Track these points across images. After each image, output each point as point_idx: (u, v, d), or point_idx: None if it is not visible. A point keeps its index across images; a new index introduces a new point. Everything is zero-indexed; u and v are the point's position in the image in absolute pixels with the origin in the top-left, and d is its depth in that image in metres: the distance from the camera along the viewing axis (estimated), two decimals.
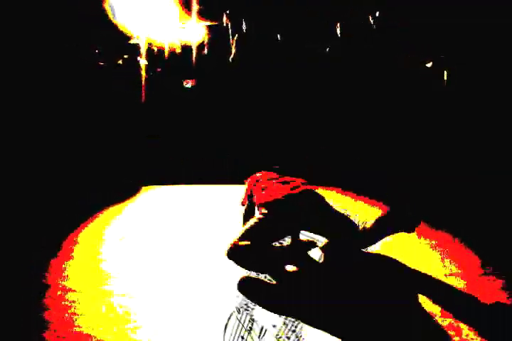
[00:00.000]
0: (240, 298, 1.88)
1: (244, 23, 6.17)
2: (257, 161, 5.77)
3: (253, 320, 1.67)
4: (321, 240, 2.59)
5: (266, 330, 1.59)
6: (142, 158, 5.49)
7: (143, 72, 6.01)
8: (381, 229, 2.23)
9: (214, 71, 6.39)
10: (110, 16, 5.45)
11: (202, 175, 5.15)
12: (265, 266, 1.97)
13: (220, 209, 3.83)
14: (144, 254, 2.59)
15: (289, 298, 1.86)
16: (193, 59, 6.26)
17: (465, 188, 4.34)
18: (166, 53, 6.18)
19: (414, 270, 2.22)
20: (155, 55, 6.16)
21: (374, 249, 2.58)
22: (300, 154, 5.87)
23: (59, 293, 2.00)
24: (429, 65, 5.44)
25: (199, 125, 6.21)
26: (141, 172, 5.10)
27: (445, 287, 2.00)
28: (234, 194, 4.49)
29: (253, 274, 2.06)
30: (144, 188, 4.90)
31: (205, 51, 6.29)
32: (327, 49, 5.75)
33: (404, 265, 2.29)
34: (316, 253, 2.44)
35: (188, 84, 6.22)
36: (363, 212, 3.58)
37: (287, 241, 2.48)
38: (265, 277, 2.02)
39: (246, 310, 1.74)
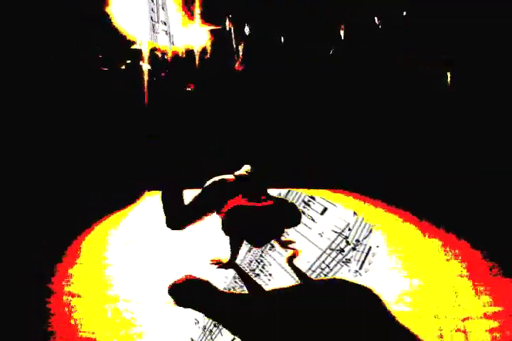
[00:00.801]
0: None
1: (247, 27, 6.19)
2: (258, 162, 5.76)
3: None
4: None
5: None
6: (145, 160, 5.49)
7: (145, 77, 6.04)
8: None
9: (217, 75, 6.41)
10: (113, 20, 5.48)
11: (205, 178, 5.14)
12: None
13: None
14: (149, 260, 2.59)
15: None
16: (196, 63, 6.28)
17: (470, 188, 4.31)
18: (169, 58, 6.21)
19: None
20: (158, 60, 6.19)
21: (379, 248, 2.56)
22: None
23: (64, 297, 2.00)
24: (429, 65, 5.43)
25: (200, 126, 6.22)
26: (144, 176, 5.10)
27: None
28: None
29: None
30: (148, 193, 4.90)
31: (208, 55, 6.31)
32: (331, 51, 5.74)
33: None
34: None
35: (189, 88, 6.24)
36: (368, 213, 3.57)
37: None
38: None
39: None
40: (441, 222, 3.22)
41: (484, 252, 2.53)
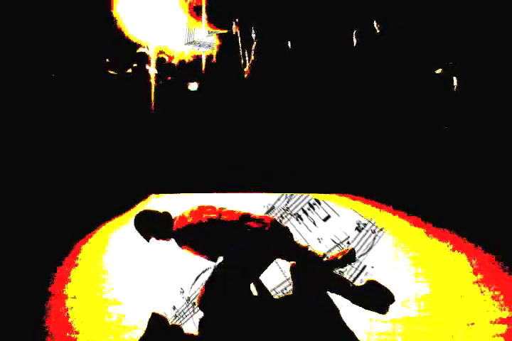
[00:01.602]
0: None
1: (253, 31, 6.20)
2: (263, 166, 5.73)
3: None
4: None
5: None
6: (150, 164, 5.50)
7: (152, 81, 6.07)
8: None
9: (224, 78, 6.43)
10: (120, 25, 5.53)
11: (210, 182, 5.12)
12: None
13: None
14: (149, 264, 2.56)
15: None
16: (203, 66, 6.30)
17: (480, 192, 4.22)
18: (176, 62, 6.24)
19: None
20: (165, 64, 6.22)
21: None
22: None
23: (62, 300, 1.97)
24: (432, 67, 5.39)
25: (208, 130, 6.22)
26: (149, 179, 5.11)
27: None
28: (242, 203, 4.45)
29: None
30: (151, 196, 4.89)
31: (214, 59, 6.32)
32: (337, 54, 5.74)
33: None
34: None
35: (193, 86, 6.25)
36: (376, 217, 3.50)
37: None
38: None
39: None
40: (450, 226, 3.15)
41: (494, 256, 2.45)
